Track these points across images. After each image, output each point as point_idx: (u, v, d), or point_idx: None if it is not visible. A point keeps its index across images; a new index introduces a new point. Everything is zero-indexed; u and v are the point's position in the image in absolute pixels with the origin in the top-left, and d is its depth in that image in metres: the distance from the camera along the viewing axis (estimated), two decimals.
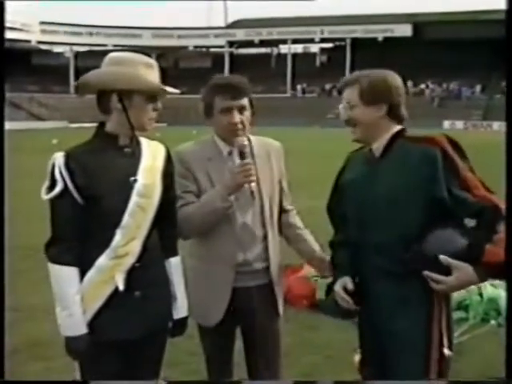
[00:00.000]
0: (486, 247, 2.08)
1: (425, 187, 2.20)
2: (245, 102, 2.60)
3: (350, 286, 2.38)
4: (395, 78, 2.35)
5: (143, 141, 2.40)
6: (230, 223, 2.59)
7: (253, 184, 2.55)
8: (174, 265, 2.47)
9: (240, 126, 2.59)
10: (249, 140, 2.68)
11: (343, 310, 2.43)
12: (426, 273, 2.14)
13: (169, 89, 2.32)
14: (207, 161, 2.64)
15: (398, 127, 2.36)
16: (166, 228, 2.43)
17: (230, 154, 2.64)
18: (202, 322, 2.69)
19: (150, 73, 2.26)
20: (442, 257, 2.11)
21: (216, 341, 2.74)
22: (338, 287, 2.42)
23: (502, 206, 2.12)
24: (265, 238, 2.66)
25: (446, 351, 2.27)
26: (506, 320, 1.94)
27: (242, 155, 2.54)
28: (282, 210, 2.80)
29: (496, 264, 2.06)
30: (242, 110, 2.59)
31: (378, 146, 2.36)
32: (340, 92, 2.45)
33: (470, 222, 2.17)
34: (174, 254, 2.49)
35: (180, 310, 2.47)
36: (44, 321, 4.48)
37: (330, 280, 2.56)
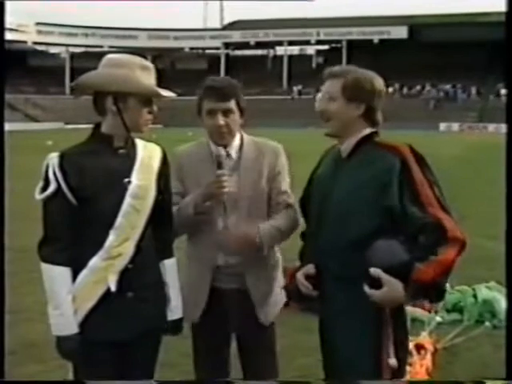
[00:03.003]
0: (416, 265, 2.02)
1: (377, 195, 2.16)
2: (230, 104, 2.55)
3: (312, 270, 2.36)
4: (380, 83, 2.31)
5: (139, 142, 2.39)
6: (210, 227, 2.60)
7: (225, 196, 2.51)
8: (169, 266, 2.47)
9: (225, 129, 2.56)
10: (241, 140, 2.66)
11: (306, 301, 2.42)
12: (363, 283, 2.10)
13: (163, 92, 2.30)
14: (199, 162, 2.65)
15: (368, 130, 2.31)
16: (161, 230, 2.43)
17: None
18: (186, 318, 2.64)
19: (145, 75, 2.26)
20: (372, 269, 2.06)
21: (206, 341, 2.75)
22: (299, 273, 2.41)
23: (452, 230, 2.06)
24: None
25: (391, 361, 2.19)
26: (507, 320, 1.94)
27: (218, 165, 2.53)
28: (273, 209, 2.67)
29: (426, 284, 2.01)
30: (226, 112, 2.55)
31: (345, 147, 2.32)
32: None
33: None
34: (169, 255, 2.48)
35: (174, 311, 2.47)
36: (39, 322, 4.46)
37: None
